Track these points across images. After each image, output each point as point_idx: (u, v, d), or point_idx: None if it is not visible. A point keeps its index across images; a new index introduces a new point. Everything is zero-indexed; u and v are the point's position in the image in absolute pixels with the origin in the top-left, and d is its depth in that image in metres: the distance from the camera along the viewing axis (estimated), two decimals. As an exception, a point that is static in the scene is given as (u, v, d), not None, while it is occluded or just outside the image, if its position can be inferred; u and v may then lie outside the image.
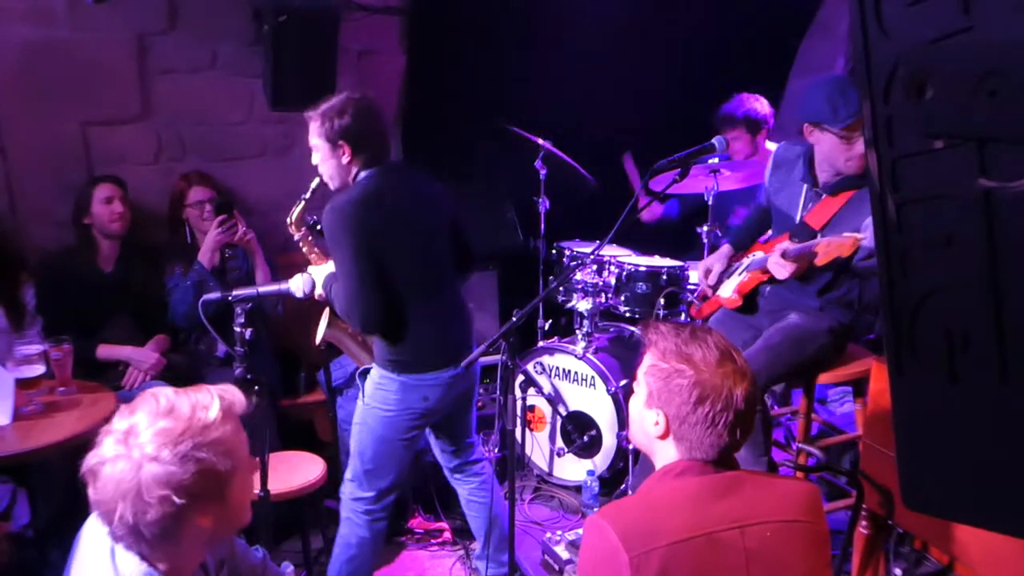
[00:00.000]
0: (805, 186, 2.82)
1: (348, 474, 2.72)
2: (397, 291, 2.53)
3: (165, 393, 1.43)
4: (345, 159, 2.54)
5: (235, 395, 1.48)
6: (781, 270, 2.67)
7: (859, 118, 2.52)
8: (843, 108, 2.57)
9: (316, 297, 2.70)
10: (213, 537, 1.48)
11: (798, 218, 2.84)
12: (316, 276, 2.68)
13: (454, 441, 2.89)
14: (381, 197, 2.51)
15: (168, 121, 3.77)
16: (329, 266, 2.69)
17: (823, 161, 2.75)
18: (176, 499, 1.33)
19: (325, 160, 2.58)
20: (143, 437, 1.35)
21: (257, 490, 2.70)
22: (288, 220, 2.91)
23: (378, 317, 2.50)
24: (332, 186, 2.64)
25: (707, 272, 3.02)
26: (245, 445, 1.49)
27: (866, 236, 2.56)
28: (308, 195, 2.83)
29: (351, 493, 2.70)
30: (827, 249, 2.50)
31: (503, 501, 2.93)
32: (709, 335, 1.58)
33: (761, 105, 3.83)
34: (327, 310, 2.86)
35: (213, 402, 1.43)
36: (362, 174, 2.57)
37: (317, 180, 2.72)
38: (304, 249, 2.94)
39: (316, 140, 2.58)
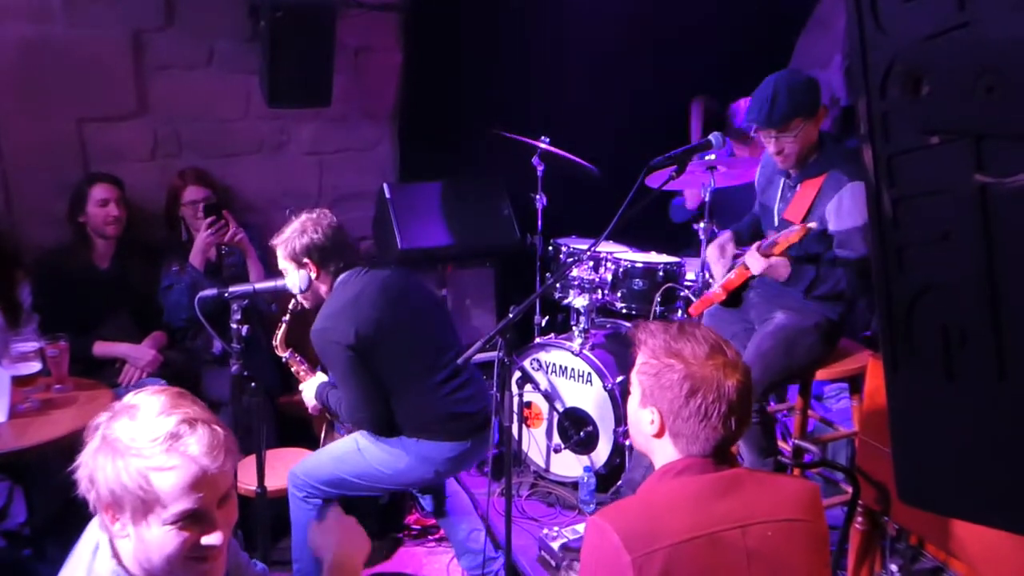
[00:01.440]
0: (782, 179, 2.86)
1: (309, 463, 2.75)
2: (397, 380, 2.60)
3: (197, 413, 1.40)
4: (313, 274, 2.65)
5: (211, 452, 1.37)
6: (756, 263, 2.75)
7: (755, 125, 2.71)
8: (748, 114, 2.73)
9: (311, 410, 2.89)
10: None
11: (776, 210, 2.88)
12: (306, 392, 2.86)
13: (436, 498, 2.98)
14: (357, 299, 2.60)
15: (165, 118, 3.77)
16: (317, 379, 2.85)
17: None
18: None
19: (294, 281, 2.68)
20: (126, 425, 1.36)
21: (254, 487, 2.70)
22: (273, 343, 2.99)
23: (383, 414, 2.60)
24: (306, 304, 2.74)
25: (722, 248, 3.04)
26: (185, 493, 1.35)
27: (830, 223, 2.67)
28: (287, 317, 2.92)
29: (300, 473, 2.73)
30: (783, 239, 2.65)
31: (464, 494, 3.02)
32: (698, 329, 1.59)
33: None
34: (325, 425, 3.07)
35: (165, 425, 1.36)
36: (336, 282, 2.67)
37: (294, 301, 2.82)
38: (292, 369, 3.02)
39: (284, 263, 2.68)
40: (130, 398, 1.41)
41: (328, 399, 2.73)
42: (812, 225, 2.65)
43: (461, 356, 2.65)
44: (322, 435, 3.13)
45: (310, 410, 2.90)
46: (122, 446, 1.33)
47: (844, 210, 2.62)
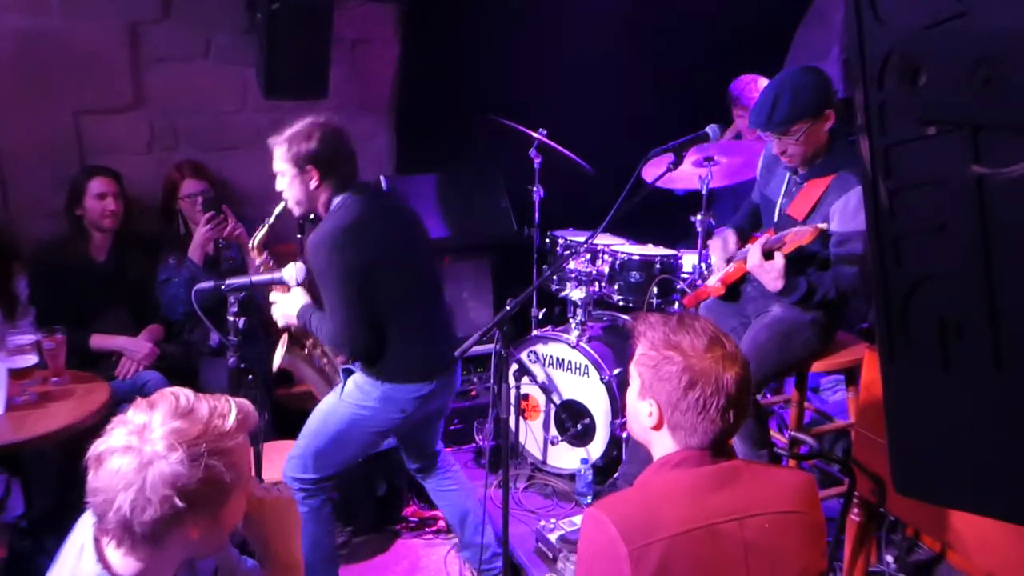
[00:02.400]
0: (788, 174, 2.84)
1: (294, 451, 2.71)
2: (384, 311, 2.54)
3: (185, 393, 1.41)
4: (313, 184, 2.54)
5: (250, 409, 1.46)
6: (754, 258, 2.70)
7: (756, 128, 2.72)
8: (751, 117, 2.71)
9: (281, 325, 2.72)
10: (195, 551, 1.45)
11: (778, 205, 2.86)
12: (284, 305, 2.69)
13: (420, 452, 2.93)
14: (363, 221, 2.51)
15: (162, 110, 3.75)
16: (296, 296, 2.69)
17: None
18: (178, 501, 1.31)
19: (291, 185, 2.58)
20: (157, 433, 1.33)
21: (251, 479, 2.69)
22: (250, 245, 2.89)
23: (367, 344, 2.53)
24: (296, 212, 2.64)
25: (725, 242, 3.02)
26: (250, 463, 1.47)
27: (833, 222, 2.63)
28: (272, 220, 2.81)
29: (291, 471, 2.70)
30: (793, 238, 2.60)
31: (472, 488, 2.98)
32: (697, 322, 1.58)
33: (762, 84, 3.83)
34: (285, 336, 2.86)
35: (231, 411, 1.41)
36: (336, 200, 2.57)
37: (282, 205, 2.70)
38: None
39: (283, 165, 2.57)
40: (135, 417, 1.38)
41: (311, 321, 2.60)
42: (823, 226, 2.60)
43: (446, 308, 2.69)
44: (281, 347, 2.92)
45: (280, 325, 2.75)
46: (177, 443, 1.34)
47: (850, 211, 2.59)
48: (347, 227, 2.49)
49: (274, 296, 2.75)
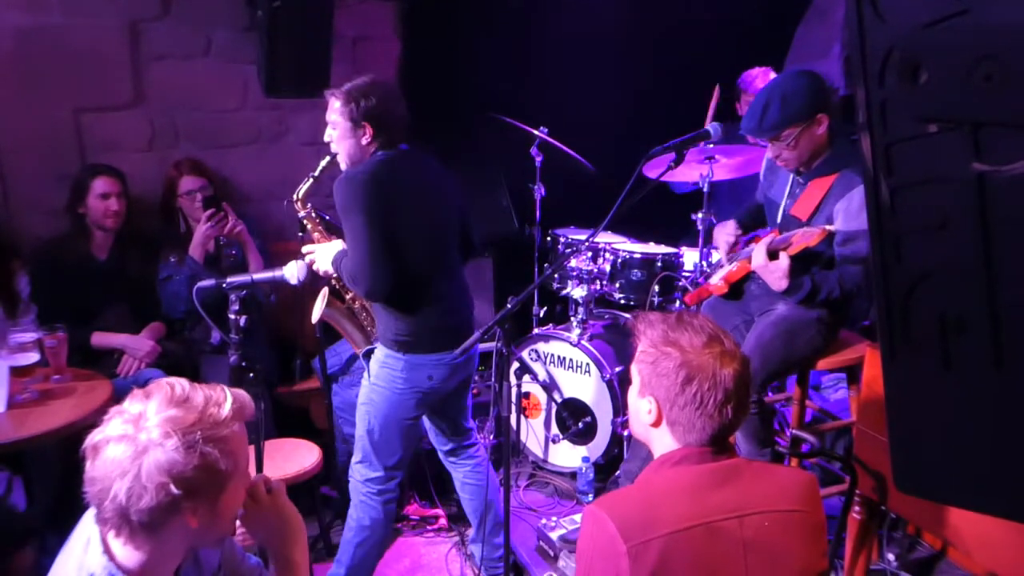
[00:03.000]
0: (792, 175, 2.84)
1: (357, 456, 2.73)
2: (405, 268, 2.52)
3: (181, 383, 1.43)
4: (365, 140, 2.55)
5: (247, 399, 1.48)
6: (759, 258, 2.70)
7: (746, 133, 2.72)
8: (743, 121, 2.70)
9: (322, 274, 2.70)
10: (196, 540, 1.46)
11: (782, 205, 2.85)
12: (322, 254, 2.67)
13: (452, 425, 2.90)
14: (395, 175, 2.52)
15: (162, 108, 3.75)
16: (335, 245, 2.69)
17: None
18: (173, 488, 1.32)
19: (343, 139, 2.58)
20: (152, 421, 1.34)
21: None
22: (294, 196, 2.90)
23: (386, 285, 2.49)
24: (344, 165, 2.64)
25: (728, 232, 3.02)
26: (247, 453, 1.48)
27: (837, 222, 2.63)
28: (317, 173, 2.83)
29: (362, 475, 2.72)
30: (801, 239, 2.60)
31: (498, 485, 2.94)
32: (696, 319, 1.59)
33: (765, 80, 3.84)
34: (325, 289, 2.85)
35: (226, 400, 1.42)
36: (377, 154, 2.58)
37: (328, 159, 2.72)
38: (308, 227, 2.93)
39: (337, 118, 2.57)
40: (132, 406, 1.40)
41: (340, 264, 2.59)
42: (831, 228, 2.61)
43: (463, 280, 2.71)
44: (321, 300, 2.85)
45: (321, 274, 2.73)
46: (171, 432, 1.35)
47: (854, 210, 2.59)
48: (373, 173, 2.48)
49: (311, 247, 2.73)
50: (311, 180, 2.86)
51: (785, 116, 2.60)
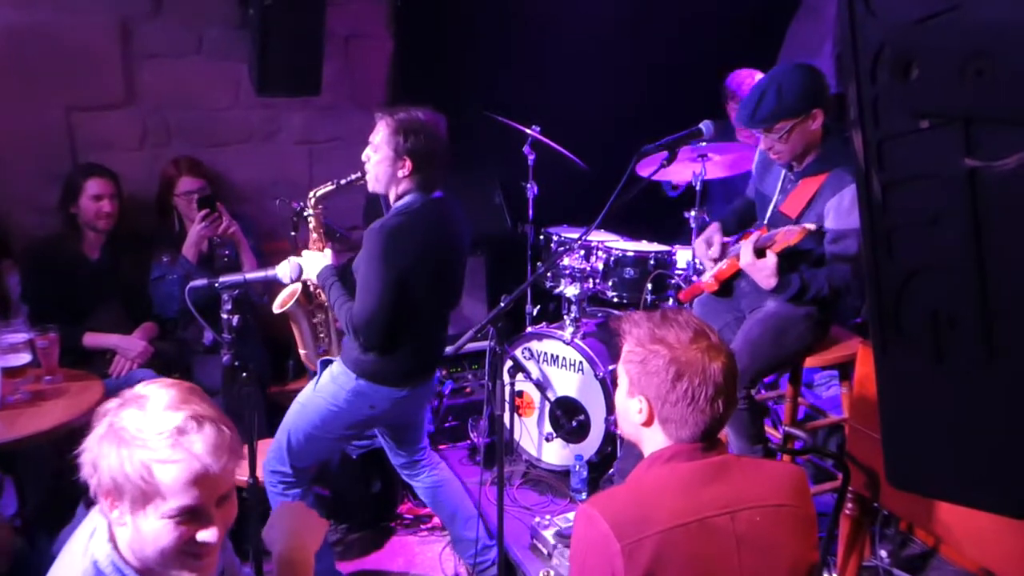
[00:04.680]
0: (784, 171, 2.84)
1: (272, 444, 2.75)
2: (401, 314, 2.56)
3: (190, 391, 1.42)
4: (402, 173, 2.57)
5: (216, 445, 1.37)
6: (746, 256, 2.69)
7: (741, 124, 2.72)
8: (738, 112, 2.70)
9: (304, 280, 2.70)
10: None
11: (773, 202, 2.86)
12: (310, 262, 2.69)
13: (404, 448, 2.95)
14: (426, 231, 2.56)
15: (153, 107, 3.74)
16: (324, 256, 2.72)
17: None
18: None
19: (380, 164, 2.60)
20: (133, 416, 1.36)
21: (246, 477, 2.70)
22: (311, 193, 2.88)
23: (383, 340, 2.55)
24: (371, 187, 2.66)
25: (708, 243, 3.01)
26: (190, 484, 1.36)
27: (827, 220, 2.63)
28: (343, 183, 2.82)
29: (269, 464, 2.73)
30: (783, 238, 2.61)
31: (459, 483, 3.01)
32: (680, 315, 1.60)
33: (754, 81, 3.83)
34: (299, 286, 2.86)
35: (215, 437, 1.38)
36: (407, 197, 2.60)
37: (357, 175, 2.73)
38: (311, 225, 2.92)
39: (380, 143, 2.59)
40: (141, 388, 1.41)
41: (331, 290, 2.61)
42: (811, 227, 2.61)
43: (447, 322, 2.72)
44: (290, 294, 2.87)
45: (295, 275, 2.69)
46: (128, 436, 1.34)
47: (845, 209, 2.59)
48: (406, 228, 2.51)
49: (305, 253, 2.75)
50: (333, 186, 2.85)
51: (779, 109, 2.58)
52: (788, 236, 2.61)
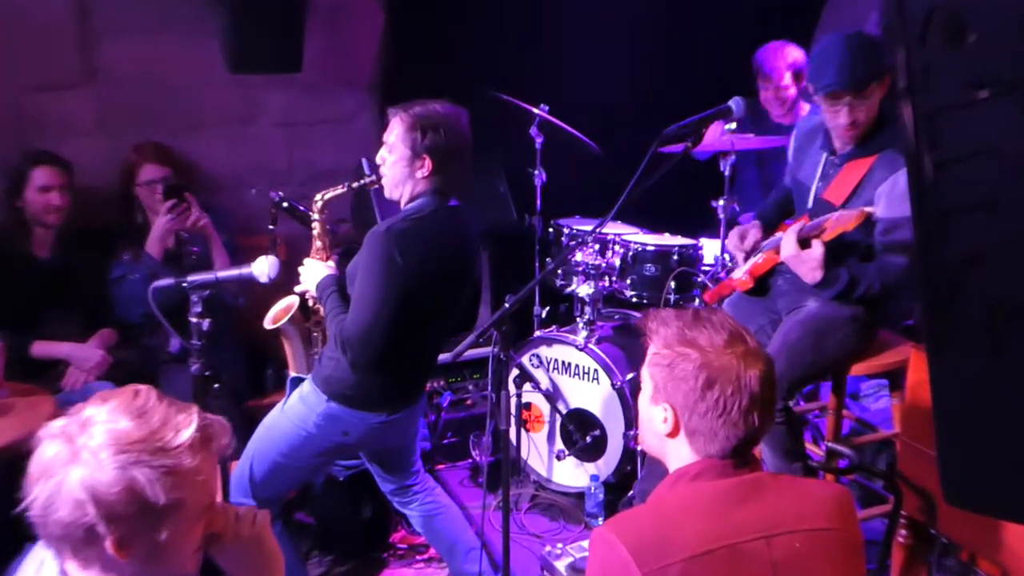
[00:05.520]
0: (824, 155, 2.83)
1: (234, 473, 2.72)
2: (399, 332, 2.55)
3: (149, 393, 1.40)
4: (421, 174, 2.57)
5: (221, 429, 1.44)
6: (788, 246, 2.69)
7: (833, 90, 2.60)
8: (820, 78, 2.63)
9: (302, 291, 2.73)
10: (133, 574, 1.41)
11: (813, 189, 2.85)
12: (310, 273, 2.71)
13: (393, 474, 2.94)
14: (435, 240, 2.55)
15: (115, 87, 3.74)
16: (327, 266, 2.73)
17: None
18: (89, 509, 1.29)
19: (397, 164, 2.59)
20: (97, 428, 1.33)
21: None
22: (317, 197, 2.86)
23: (372, 359, 2.52)
24: (387, 192, 2.66)
25: (741, 237, 3.01)
26: (203, 489, 1.43)
27: (879, 207, 2.61)
28: (355, 186, 2.82)
29: (233, 494, 2.70)
30: (835, 223, 2.58)
31: (458, 510, 2.99)
32: (715, 316, 1.60)
33: (793, 53, 3.84)
34: (296, 300, 2.86)
35: (189, 426, 1.38)
36: (419, 200, 2.59)
37: (371, 178, 2.74)
38: (316, 232, 2.90)
39: (396, 142, 2.59)
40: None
41: (328, 301, 2.62)
42: (870, 210, 2.59)
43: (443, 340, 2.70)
44: (286, 309, 2.87)
45: (296, 290, 2.78)
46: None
47: (898, 195, 2.58)
48: (415, 231, 2.51)
49: (307, 262, 2.77)
50: (343, 190, 2.83)
51: (874, 66, 2.56)
52: (842, 222, 2.58)
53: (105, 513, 1.30)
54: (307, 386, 2.67)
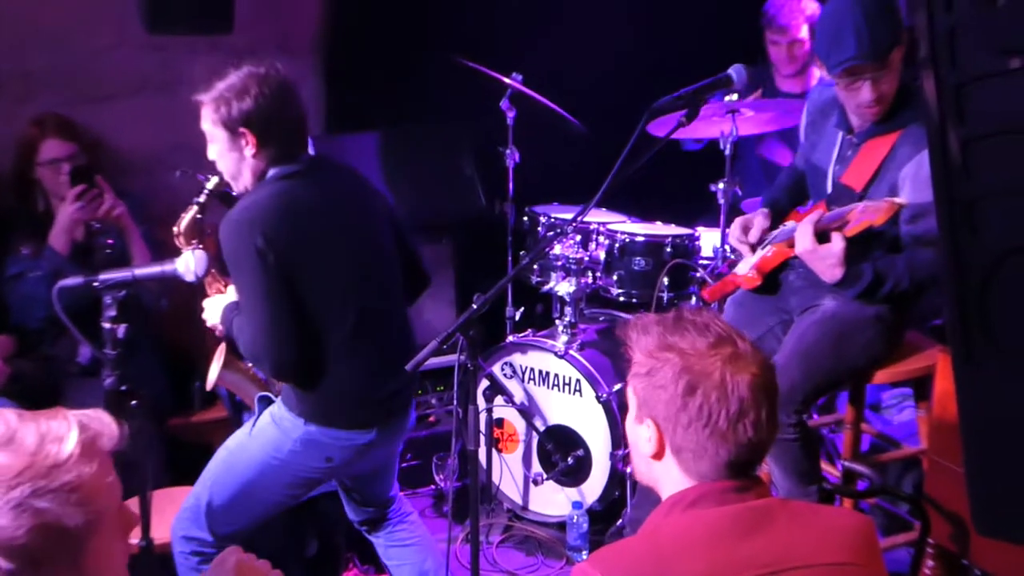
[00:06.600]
0: (840, 134, 2.85)
1: (187, 502, 2.71)
2: (317, 326, 2.54)
3: (5, 417, 1.39)
4: (250, 151, 2.55)
5: (103, 424, 1.42)
6: (804, 240, 2.70)
7: (853, 65, 2.59)
8: (834, 53, 2.63)
9: (214, 329, 2.73)
10: None
11: (830, 172, 2.87)
12: (210, 308, 2.72)
13: (369, 503, 2.94)
14: (295, 203, 2.53)
15: (8, 47, 3.70)
16: (228, 295, 2.71)
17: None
18: (3, 563, 1.28)
19: (224, 153, 2.59)
20: None
21: (137, 540, 2.68)
22: (175, 230, 2.86)
23: (295, 358, 2.52)
24: (235, 187, 2.65)
25: (745, 228, 3.02)
26: (113, 492, 1.43)
27: (904, 192, 2.63)
28: (202, 198, 2.80)
29: (183, 529, 2.70)
30: (861, 216, 2.58)
31: (433, 542, 2.99)
32: (700, 316, 1.60)
33: (811, 5, 3.88)
34: (223, 346, 2.86)
35: (70, 432, 1.36)
36: (270, 172, 2.58)
37: (216, 180, 2.73)
38: (207, 280, 2.88)
39: (211, 128, 2.58)
40: None
41: (232, 325, 2.61)
42: (902, 201, 2.57)
43: (404, 328, 2.74)
44: (216, 361, 2.89)
45: (214, 331, 2.77)
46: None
47: (924, 177, 2.56)
48: (265, 208, 2.49)
49: (206, 302, 2.77)
50: (194, 208, 2.80)
51: (893, 31, 2.58)
52: (867, 214, 2.57)
53: (20, 561, 1.29)
54: (278, 409, 2.66)
